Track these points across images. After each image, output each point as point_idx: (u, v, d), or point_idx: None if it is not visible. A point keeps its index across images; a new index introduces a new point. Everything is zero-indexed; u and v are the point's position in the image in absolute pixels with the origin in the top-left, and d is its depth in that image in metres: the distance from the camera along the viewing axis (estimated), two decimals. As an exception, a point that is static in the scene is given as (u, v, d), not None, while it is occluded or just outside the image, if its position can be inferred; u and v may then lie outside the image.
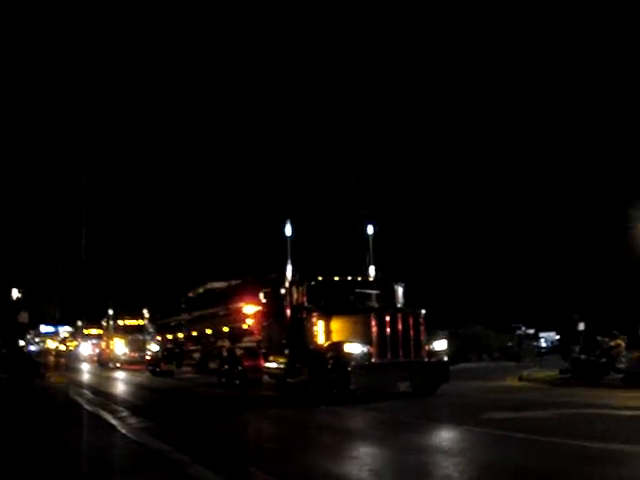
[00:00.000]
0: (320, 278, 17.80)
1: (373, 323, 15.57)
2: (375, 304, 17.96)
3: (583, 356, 18.62)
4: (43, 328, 71.08)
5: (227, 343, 23.83)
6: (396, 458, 9.07)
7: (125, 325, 49.14)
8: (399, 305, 17.83)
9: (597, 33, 37.38)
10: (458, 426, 11.28)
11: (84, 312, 58.19)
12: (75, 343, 61.33)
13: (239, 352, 21.27)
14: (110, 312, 50.70)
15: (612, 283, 34.82)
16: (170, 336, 30.55)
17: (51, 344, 67.40)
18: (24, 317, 45.91)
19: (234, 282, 24.65)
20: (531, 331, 40.10)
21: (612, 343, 18.67)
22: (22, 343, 50.70)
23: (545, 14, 40.06)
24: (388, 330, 15.62)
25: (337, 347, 15.65)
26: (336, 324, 16.62)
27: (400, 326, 15.74)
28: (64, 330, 70.45)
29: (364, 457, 9.32)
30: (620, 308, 27.88)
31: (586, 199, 37.98)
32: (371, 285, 18.40)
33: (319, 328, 16.77)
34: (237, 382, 21.05)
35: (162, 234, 55.36)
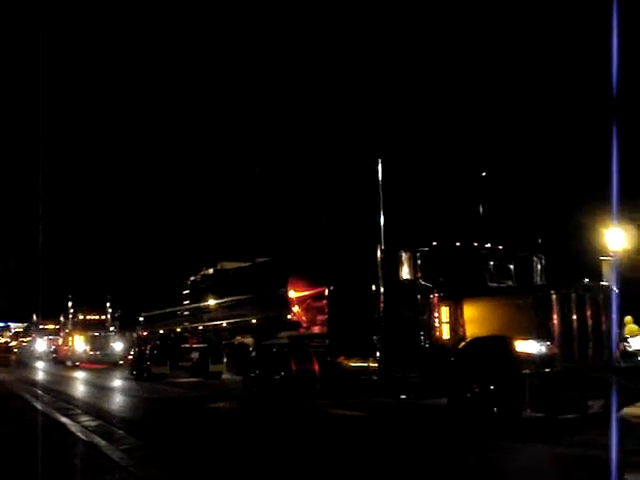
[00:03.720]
0: (435, 244, 11.65)
1: (554, 308, 9.47)
2: (510, 282, 11.96)
3: None
4: (-8, 323, 63.06)
5: (250, 339, 17.51)
6: None
7: (86, 320, 43.09)
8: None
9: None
10: None
11: (40, 305, 50.59)
12: (29, 339, 53.77)
13: (281, 351, 14.90)
14: (69, 305, 44.00)
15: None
16: (162, 331, 23.77)
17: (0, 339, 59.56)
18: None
19: (261, 260, 18.24)
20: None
21: None
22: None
23: None
24: (575, 319, 9.59)
25: (497, 345, 9.55)
26: (471, 310, 10.55)
27: (590, 314, 9.73)
28: (17, 325, 62.38)
29: None
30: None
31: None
32: (504, 256, 12.28)
33: (443, 316, 10.70)
34: (279, 391, 14.70)
35: (129, 221, 48.18)
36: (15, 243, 49.01)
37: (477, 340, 9.92)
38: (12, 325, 62.93)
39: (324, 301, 15.12)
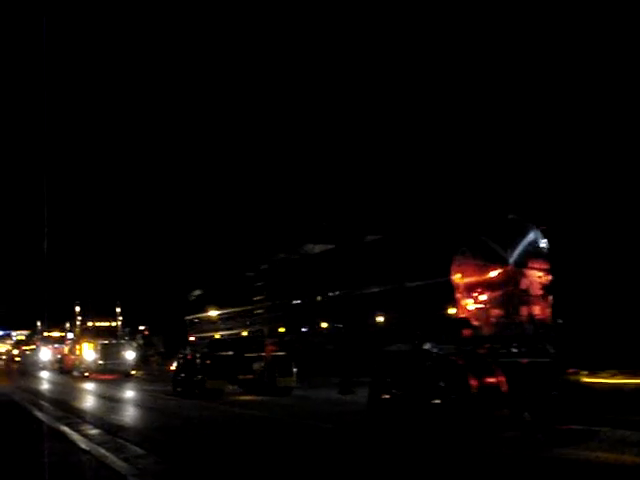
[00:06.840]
0: None
1: None
2: None
3: None
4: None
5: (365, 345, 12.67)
6: None
7: (95, 327, 38.22)
8: None
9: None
10: None
11: (45, 312, 45.49)
12: (33, 347, 48.44)
13: (447, 361, 9.98)
14: (77, 310, 39.12)
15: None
16: (218, 335, 18.53)
17: (1, 348, 54.41)
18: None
19: (372, 238, 13.36)
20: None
21: None
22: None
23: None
24: None
25: None
26: None
27: None
28: (18, 333, 56.92)
29: None
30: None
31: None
32: None
33: None
34: (445, 420, 9.74)
35: (137, 223, 43.25)
36: (19, 248, 44.25)
37: None
38: (13, 333, 57.60)
39: (499, 291, 10.41)
